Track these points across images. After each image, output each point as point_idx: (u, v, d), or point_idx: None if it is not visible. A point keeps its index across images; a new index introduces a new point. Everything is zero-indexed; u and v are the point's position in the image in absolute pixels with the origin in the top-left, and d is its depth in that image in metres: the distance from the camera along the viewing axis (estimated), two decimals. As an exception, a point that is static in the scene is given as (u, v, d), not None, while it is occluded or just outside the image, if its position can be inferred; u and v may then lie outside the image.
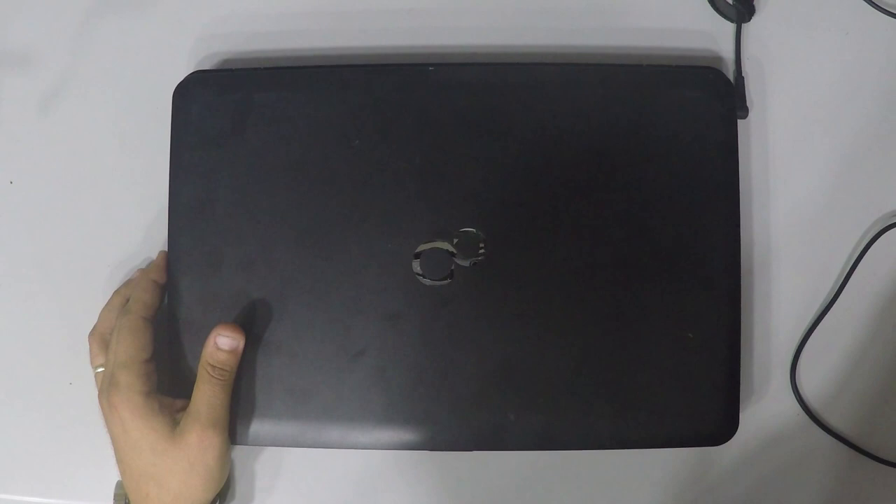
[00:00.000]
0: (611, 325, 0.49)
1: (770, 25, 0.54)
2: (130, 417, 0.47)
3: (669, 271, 0.49)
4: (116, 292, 0.52)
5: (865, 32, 0.54)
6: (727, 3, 0.54)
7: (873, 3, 0.54)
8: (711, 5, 0.54)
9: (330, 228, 0.50)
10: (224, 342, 0.48)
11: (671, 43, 0.54)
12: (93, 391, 0.50)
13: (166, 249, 0.51)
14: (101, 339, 0.51)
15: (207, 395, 0.47)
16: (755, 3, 0.54)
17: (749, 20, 0.54)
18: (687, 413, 0.49)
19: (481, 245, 0.50)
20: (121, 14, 0.56)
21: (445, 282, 0.49)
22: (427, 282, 0.49)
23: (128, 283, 0.53)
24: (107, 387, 0.48)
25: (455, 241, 0.50)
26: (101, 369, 0.50)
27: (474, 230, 0.50)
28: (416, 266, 0.49)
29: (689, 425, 0.49)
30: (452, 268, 0.49)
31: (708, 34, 0.55)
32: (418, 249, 0.49)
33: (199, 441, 0.47)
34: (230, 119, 0.50)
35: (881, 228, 0.53)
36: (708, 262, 0.49)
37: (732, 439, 0.49)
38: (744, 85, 0.54)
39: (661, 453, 0.52)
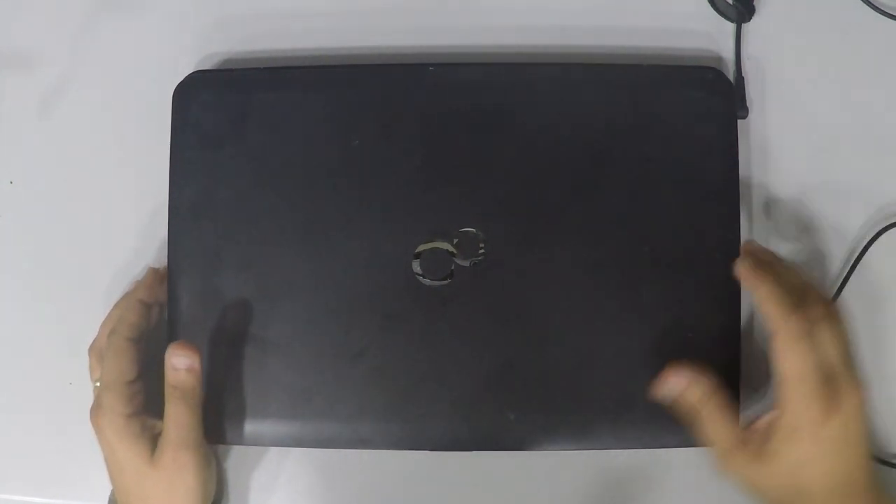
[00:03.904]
0: (611, 325, 0.49)
1: (770, 25, 0.54)
2: (114, 440, 0.47)
3: (669, 271, 0.49)
4: (116, 306, 0.52)
5: (865, 33, 0.54)
6: (727, 3, 0.54)
7: (872, 4, 0.54)
8: (711, 5, 0.54)
9: (330, 228, 0.50)
10: (178, 362, 0.47)
11: (671, 43, 0.54)
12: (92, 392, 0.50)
13: (165, 250, 0.51)
14: (99, 353, 0.50)
15: (173, 416, 0.47)
16: (755, 3, 0.54)
17: (749, 20, 0.54)
18: (687, 413, 0.49)
19: (481, 245, 0.50)
20: (121, 14, 0.56)
21: (445, 282, 0.49)
22: (427, 282, 0.49)
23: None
24: (95, 407, 0.48)
25: (455, 241, 0.50)
26: (99, 384, 0.50)
27: (474, 230, 0.50)
28: (416, 266, 0.49)
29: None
30: (452, 268, 0.49)
31: (708, 34, 0.55)
32: (418, 249, 0.49)
33: (173, 462, 0.46)
34: (230, 119, 0.50)
35: (881, 228, 0.53)
36: (708, 262, 0.49)
37: (732, 439, 0.49)
38: (744, 85, 0.54)
39: (661, 453, 0.52)
